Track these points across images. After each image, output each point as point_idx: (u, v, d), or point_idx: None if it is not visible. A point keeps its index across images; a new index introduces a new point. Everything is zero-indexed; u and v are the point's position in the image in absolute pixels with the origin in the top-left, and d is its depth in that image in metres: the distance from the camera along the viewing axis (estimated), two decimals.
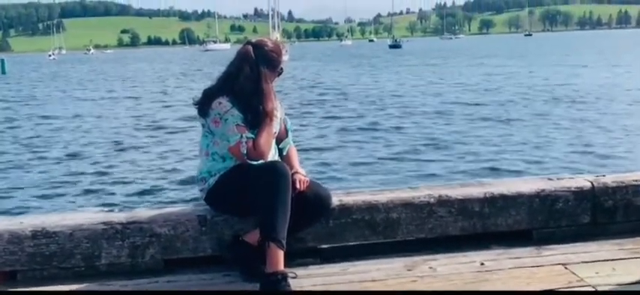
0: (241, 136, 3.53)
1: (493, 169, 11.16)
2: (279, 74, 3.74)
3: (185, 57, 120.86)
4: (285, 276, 3.31)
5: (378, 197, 3.92)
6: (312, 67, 57.17)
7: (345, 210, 3.83)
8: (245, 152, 3.53)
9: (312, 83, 36.10)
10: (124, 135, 16.89)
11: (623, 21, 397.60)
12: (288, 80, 36.85)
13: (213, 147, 3.65)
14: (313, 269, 3.65)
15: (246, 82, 3.59)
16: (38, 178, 11.73)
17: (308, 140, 14.40)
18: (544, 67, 42.51)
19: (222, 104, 3.56)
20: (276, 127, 3.72)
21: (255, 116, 3.58)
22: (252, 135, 3.55)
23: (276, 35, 69.95)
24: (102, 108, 25.08)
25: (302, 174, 3.66)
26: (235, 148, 3.54)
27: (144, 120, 20.39)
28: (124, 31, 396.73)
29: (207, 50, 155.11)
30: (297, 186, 3.53)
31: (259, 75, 3.61)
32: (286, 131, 3.85)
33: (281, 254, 3.34)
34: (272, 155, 3.69)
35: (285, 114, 3.92)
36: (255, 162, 3.55)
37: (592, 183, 4.11)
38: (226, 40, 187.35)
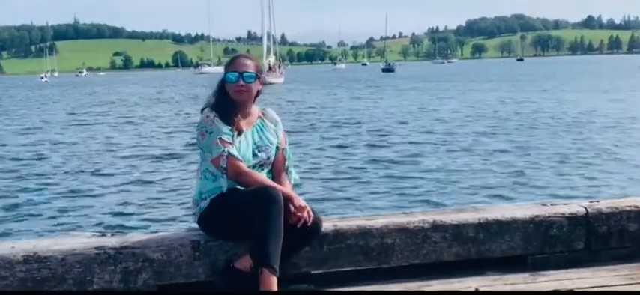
0: (223, 150, 3.55)
1: (487, 194, 11.17)
2: (245, 82, 3.68)
3: (180, 79, 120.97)
4: None
5: (372, 222, 3.90)
6: (307, 91, 57.24)
7: (339, 235, 3.81)
8: (225, 166, 3.55)
9: (308, 107, 36.10)
10: (118, 160, 16.83)
11: (614, 46, 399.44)
12: (283, 104, 36.91)
13: (204, 164, 3.68)
14: None
15: (218, 95, 3.71)
16: (30, 202, 11.65)
17: (303, 163, 14.37)
18: (537, 93, 42.78)
19: (209, 117, 3.63)
20: (270, 153, 3.76)
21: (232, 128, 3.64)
22: (235, 153, 3.56)
23: (271, 59, 69.92)
24: (96, 132, 25.00)
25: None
26: (217, 160, 3.57)
27: (138, 144, 20.34)
28: (116, 54, 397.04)
29: (202, 73, 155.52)
30: (302, 215, 3.52)
31: (223, 87, 3.72)
32: (284, 160, 3.84)
33: (274, 279, 3.33)
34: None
35: (288, 144, 3.91)
36: (246, 188, 3.55)
37: (586, 208, 4.12)
38: (219, 63, 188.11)
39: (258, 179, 3.61)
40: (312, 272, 3.82)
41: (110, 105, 43.74)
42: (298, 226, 3.51)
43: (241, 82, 3.68)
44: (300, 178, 4.05)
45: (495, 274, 3.88)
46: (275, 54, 74.73)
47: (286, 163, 3.85)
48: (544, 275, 3.85)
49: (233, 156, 3.56)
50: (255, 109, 3.84)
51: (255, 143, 3.73)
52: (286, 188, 3.67)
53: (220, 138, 3.57)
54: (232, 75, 3.69)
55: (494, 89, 48.85)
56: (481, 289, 3.64)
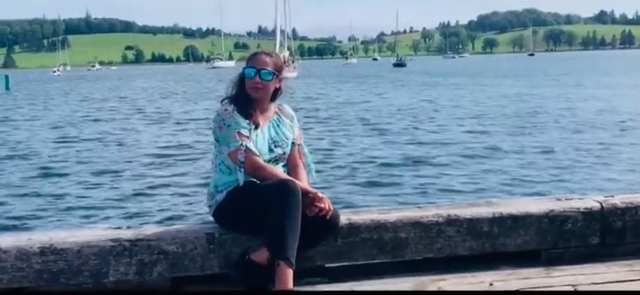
0: (241, 144, 3.55)
1: (501, 189, 11.13)
2: (262, 79, 3.68)
3: (193, 74, 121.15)
4: None
5: (386, 216, 3.90)
6: (321, 86, 57.21)
7: (354, 228, 3.81)
8: (243, 160, 3.55)
9: (323, 101, 36.09)
10: (133, 153, 16.89)
11: (627, 41, 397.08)
12: (298, 98, 36.92)
13: (220, 157, 3.69)
14: (321, 288, 3.63)
15: (237, 88, 3.72)
16: (46, 195, 11.72)
17: (317, 157, 14.37)
18: (550, 88, 42.64)
19: (227, 110, 3.63)
20: (286, 149, 3.78)
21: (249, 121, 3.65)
22: (253, 148, 3.57)
23: (285, 53, 70.00)
24: (111, 126, 25.07)
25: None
26: (234, 154, 3.57)
27: (154, 138, 20.40)
28: (128, 48, 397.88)
29: (214, 67, 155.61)
30: (323, 206, 3.54)
31: (243, 81, 3.71)
32: (300, 155, 3.84)
33: (290, 272, 3.34)
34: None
35: (304, 143, 3.92)
36: (263, 182, 3.55)
37: (601, 203, 4.10)
38: (230, 58, 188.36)
39: (275, 173, 3.62)
40: (327, 265, 3.82)
41: (126, 100, 43.89)
42: (320, 215, 3.53)
43: (258, 79, 3.69)
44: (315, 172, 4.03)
45: (509, 268, 3.86)
46: (289, 49, 74.89)
47: (306, 159, 3.86)
48: (559, 270, 3.84)
49: (251, 150, 3.57)
50: (272, 105, 3.84)
51: (271, 138, 3.74)
52: (303, 182, 3.67)
53: (239, 132, 3.58)
54: (250, 71, 3.70)
55: (511, 85, 48.58)
56: (495, 283, 3.63)
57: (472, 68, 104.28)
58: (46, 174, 13.97)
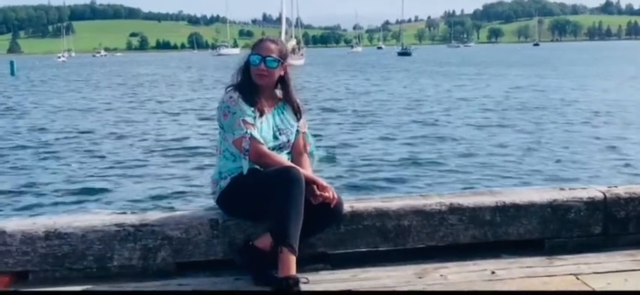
0: (246, 132, 3.56)
1: (504, 178, 11.13)
2: (267, 66, 3.69)
3: (200, 60, 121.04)
4: (297, 281, 3.32)
5: (389, 204, 3.91)
6: (328, 73, 57.15)
7: (356, 216, 3.82)
8: (247, 147, 3.56)
9: (330, 88, 36.06)
10: (138, 139, 16.92)
11: (633, 32, 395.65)
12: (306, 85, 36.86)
13: (224, 144, 3.70)
14: (323, 275, 3.63)
15: (242, 75, 3.73)
16: (51, 180, 11.76)
17: (322, 143, 14.37)
18: (553, 78, 42.52)
19: (232, 98, 3.64)
20: (290, 136, 3.79)
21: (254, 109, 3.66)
22: (257, 136, 3.58)
23: (293, 41, 70.00)
24: (116, 111, 25.08)
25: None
26: (238, 141, 3.58)
27: (158, 124, 20.42)
28: (133, 35, 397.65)
29: (220, 54, 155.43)
30: (327, 194, 3.54)
31: (248, 68, 3.73)
32: (304, 143, 3.85)
33: (293, 259, 3.35)
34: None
35: (309, 131, 3.92)
36: (268, 169, 3.56)
37: (604, 193, 4.10)
38: (235, 45, 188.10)
39: (279, 161, 3.62)
40: (329, 252, 3.84)
41: (132, 87, 43.91)
42: (325, 203, 3.53)
43: (263, 66, 3.70)
44: (318, 160, 4.03)
45: (512, 257, 3.87)
46: (296, 37, 75.06)
47: (310, 148, 3.87)
48: (561, 259, 3.84)
49: (255, 138, 3.58)
50: (276, 92, 3.85)
51: (276, 125, 3.75)
52: (307, 170, 3.68)
53: (243, 120, 3.59)
54: (255, 58, 3.70)
55: (517, 75, 48.44)
56: (498, 272, 3.63)
57: (478, 58, 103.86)
58: (50, 159, 13.99)
